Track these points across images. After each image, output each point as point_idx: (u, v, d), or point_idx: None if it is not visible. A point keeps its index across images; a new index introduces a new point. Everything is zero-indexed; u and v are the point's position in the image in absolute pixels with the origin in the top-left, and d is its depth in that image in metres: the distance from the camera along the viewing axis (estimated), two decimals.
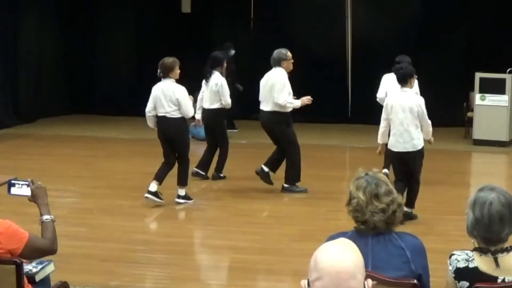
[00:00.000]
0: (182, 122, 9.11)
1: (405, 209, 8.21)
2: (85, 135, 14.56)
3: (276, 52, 9.78)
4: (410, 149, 8.39)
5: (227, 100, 10.44)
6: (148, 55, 16.88)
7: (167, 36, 16.31)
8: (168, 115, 9.03)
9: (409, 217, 8.32)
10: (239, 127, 15.07)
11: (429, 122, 8.47)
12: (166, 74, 9.01)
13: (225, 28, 16.70)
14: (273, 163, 10.00)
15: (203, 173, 10.70)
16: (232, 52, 14.84)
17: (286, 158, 9.89)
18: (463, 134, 14.49)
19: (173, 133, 9.10)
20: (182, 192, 9.27)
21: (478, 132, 13.65)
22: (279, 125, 9.76)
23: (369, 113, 15.03)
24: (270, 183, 9.96)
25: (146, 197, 9.01)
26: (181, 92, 9.00)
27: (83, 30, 16.84)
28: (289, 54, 9.77)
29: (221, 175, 10.74)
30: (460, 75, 15.15)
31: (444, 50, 15.35)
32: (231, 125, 14.83)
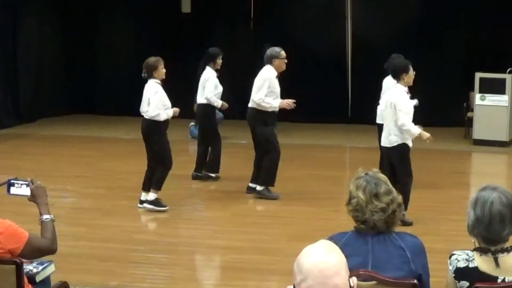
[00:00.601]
0: (156, 123, 8.82)
1: None
2: (85, 135, 14.56)
3: (270, 50, 9.57)
4: (387, 144, 8.37)
5: (207, 94, 10.33)
6: (148, 55, 16.81)
7: (167, 36, 16.31)
8: (144, 115, 8.97)
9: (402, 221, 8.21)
10: (239, 127, 15.03)
11: (404, 122, 8.08)
12: (150, 74, 8.88)
13: (225, 28, 16.70)
14: (266, 179, 9.70)
15: (202, 175, 10.65)
16: None
17: (264, 158, 9.64)
18: (463, 134, 14.48)
19: (145, 133, 8.99)
20: (150, 196, 8.91)
21: (478, 132, 13.65)
22: (256, 123, 9.55)
23: (369, 113, 15.03)
24: (273, 197, 9.70)
25: (139, 207, 8.96)
26: (154, 91, 8.78)
27: (83, 30, 16.84)
28: (282, 53, 9.49)
29: (213, 175, 10.61)
30: (460, 75, 15.15)
31: (444, 50, 15.35)
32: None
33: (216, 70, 10.52)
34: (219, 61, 10.54)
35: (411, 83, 8.46)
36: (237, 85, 15.80)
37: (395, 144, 8.26)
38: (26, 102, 15.96)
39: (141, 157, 12.14)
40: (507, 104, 13.44)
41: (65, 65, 17.08)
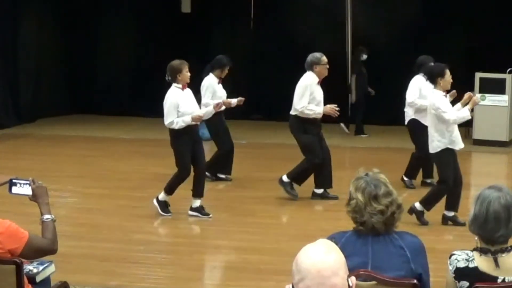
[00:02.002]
0: (173, 130, 8.54)
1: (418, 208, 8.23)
2: (85, 135, 14.55)
3: (310, 56, 9.32)
4: (430, 150, 8.28)
5: (204, 101, 10.18)
6: (148, 55, 16.90)
7: (167, 36, 16.31)
8: None
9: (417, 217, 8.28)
10: (239, 127, 15.02)
11: (450, 118, 8.04)
12: (174, 77, 8.53)
13: (225, 28, 16.70)
14: (295, 175, 9.52)
15: (211, 176, 10.54)
16: (364, 57, 14.34)
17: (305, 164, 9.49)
18: (463, 134, 14.41)
19: (170, 140, 8.77)
20: (160, 196, 8.70)
21: (478, 132, 13.65)
22: (296, 130, 9.41)
23: (369, 113, 15.05)
24: (292, 194, 9.50)
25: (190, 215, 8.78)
26: (167, 97, 8.54)
27: (83, 30, 16.84)
28: (323, 58, 9.27)
29: (212, 176, 10.43)
30: (460, 75, 15.13)
31: (444, 50, 15.33)
32: (360, 130, 14.57)
33: (220, 79, 10.43)
34: (226, 71, 10.43)
35: (448, 87, 8.40)
36: (237, 85, 15.81)
37: (438, 150, 8.16)
38: (26, 102, 15.95)
39: (141, 157, 12.18)
40: (507, 104, 13.44)
41: (65, 65, 17.06)
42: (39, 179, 4.53)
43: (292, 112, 9.41)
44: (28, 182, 4.41)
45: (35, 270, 4.70)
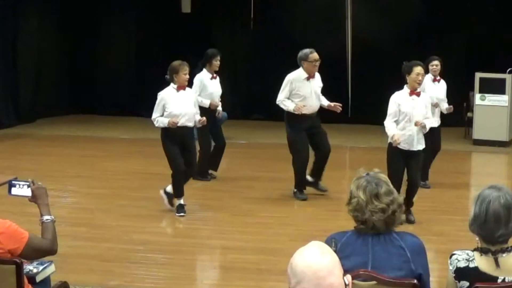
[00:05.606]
0: (161, 128, 8.66)
1: None
2: (85, 135, 14.56)
3: (300, 52, 9.37)
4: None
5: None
6: (148, 55, 16.90)
7: (167, 36, 16.32)
8: None
9: None
10: (240, 127, 15.04)
11: (384, 123, 8.30)
12: (171, 77, 8.61)
13: (225, 28, 16.71)
14: (314, 172, 9.62)
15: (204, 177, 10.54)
16: None
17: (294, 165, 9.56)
18: (463, 134, 14.49)
19: None
20: (168, 187, 8.88)
21: (478, 132, 13.66)
22: (286, 123, 9.48)
23: (369, 113, 15.05)
24: (323, 190, 9.69)
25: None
26: (159, 94, 8.63)
27: (83, 30, 16.86)
28: (311, 55, 9.28)
29: (201, 177, 10.38)
30: (460, 75, 15.16)
31: (444, 50, 15.32)
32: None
33: (215, 72, 10.35)
34: (216, 63, 10.30)
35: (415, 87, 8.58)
36: (237, 85, 15.84)
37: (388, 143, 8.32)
38: (26, 102, 15.97)
39: (141, 157, 12.18)
40: (507, 104, 13.45)
41: (65, 65, 17.09)
42: (39, 179, 4.53)
43: None
44: (27, 183, 4.41)
45: (35, 270, 4.71)
